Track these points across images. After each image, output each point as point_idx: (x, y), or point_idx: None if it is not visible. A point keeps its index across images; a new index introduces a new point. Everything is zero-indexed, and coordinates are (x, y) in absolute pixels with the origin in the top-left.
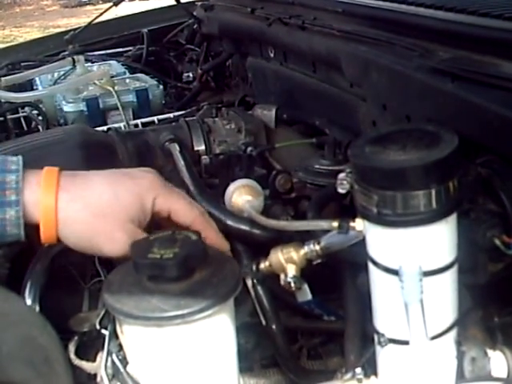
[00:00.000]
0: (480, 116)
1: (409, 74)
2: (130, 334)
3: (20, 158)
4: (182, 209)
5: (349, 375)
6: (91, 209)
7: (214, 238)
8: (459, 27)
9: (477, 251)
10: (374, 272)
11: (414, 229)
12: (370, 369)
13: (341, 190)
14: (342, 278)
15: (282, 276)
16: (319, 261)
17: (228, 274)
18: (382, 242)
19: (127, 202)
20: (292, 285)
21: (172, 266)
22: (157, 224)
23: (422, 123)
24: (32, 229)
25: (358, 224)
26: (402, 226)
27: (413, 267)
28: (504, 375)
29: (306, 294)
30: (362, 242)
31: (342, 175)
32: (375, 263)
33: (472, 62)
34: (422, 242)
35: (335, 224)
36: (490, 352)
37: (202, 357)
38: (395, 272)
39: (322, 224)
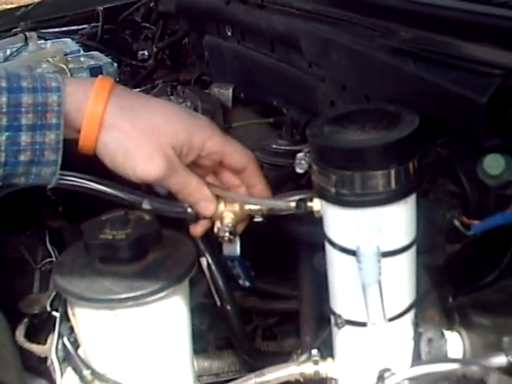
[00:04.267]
0: (441, 97)
1: (370, 53)
2: (81, 316)
3: (58, 75)
4: (236, 154)
5: (304, 357)
6: (140, 123)
7: (262, 187)
8: (421, 7)
9: (435, 232)
10: (331, 252)
11: (373, 209)
12: (326, 350)
13: (299, 170)
14: (297, 258)
15: (218, 223)
16: (260, 219)
17: (183, 255)
18: (340, 222)
19: (176, 129)
20: (225, 234)
21: (124, 247)
22: (206, 167)
23: (382, 103)
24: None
25: (316, 204)
26: (360, 206)
27: (370, 248)
28: (459, 355)
29: (234, 250)
30: (319, 222)
31: (300, 155)
32: (332, 244)
33: (434, 43)
34: (380, 223)
35: (292, 204)
36: (446, 333)
37: (156, 339)
38: (353, 253)
39: (279, 204)
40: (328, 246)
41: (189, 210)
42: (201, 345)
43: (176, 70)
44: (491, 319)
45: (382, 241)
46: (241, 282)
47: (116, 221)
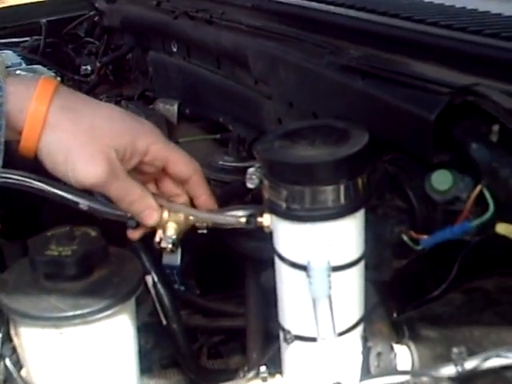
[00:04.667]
0: (390, 114)
1: (318, 70)
2: (26, 335)
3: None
4: (181, 161)
5: (252, 374)
6: (83, 124)
7: (207, 198)
8: (370, 26)
9: (382, 247)
10: (280, 267)
11: (322, 224)
12: (273, 367)
13: (250, 185)
14: (243, 274)
15: (160, 232)
16: (204, 231)
17: (129, 272)
18: (290, 237)
19: (120, 132)
20: (168, 245)
21: (70, 264)
22: (148, 174)
23: (331, 120)
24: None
25: (266, 219)
26: (309, 220)
27: (321, 262)
28: (409, 368)
29: (175, 259)
30: (266, 238)
31: (251, 170)
32: (282, 258)
33: (382, 60)
34: (330, 237)
35: (243, 220)
36: (395, 346)
37: (102, 358)
38: (303, 267)
39: (229, 219)
40: (278, 261)
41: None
42: (145, 364)
43: (119, 86)
44: (439, 332)
45: (332, 255)
46: (176, 286)
47: (62, 237)
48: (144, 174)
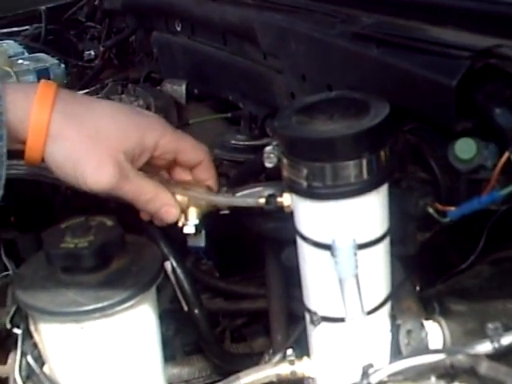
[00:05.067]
0: (408, 82)
1: (330, 41)
2: (46, 331)
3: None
4: (191, 149)
5: (278, 357)
6: (87, 130)
7: (212, 183)
8: None
9: (406, 221)
10: (303, 248)
11: (346, 201)
12: (299, 348)
13: (268, 164)
14: (264, 255)
15: (182, 218)
16: (227, 212)
17: (148, 260)
18: (312, 216)
19: (126, 132)
20: (191, 230)
21: (87, 256)
22: (159, 167)
23: (348, 91)
24: None
25: (286, 199)
26: (332, 198)
27: (346, 241)
28: (440, 345)
29: (200, 240)
30: (284, 218)
31: (268, 148)
32: (305, 238)
33: (397, 27)
34: (354, 215)
35: (262, 200)
36: (425, 323)
37: (125, 350)
38: (327, 247)
39: (248, 201)
40: (300, 241)
41: None
42: (168, 352)
43: (124, 69)
44: (469, 306)
45: (357, 233)
46: (203, 262)
47: (77, 228)
48: (155, 166)
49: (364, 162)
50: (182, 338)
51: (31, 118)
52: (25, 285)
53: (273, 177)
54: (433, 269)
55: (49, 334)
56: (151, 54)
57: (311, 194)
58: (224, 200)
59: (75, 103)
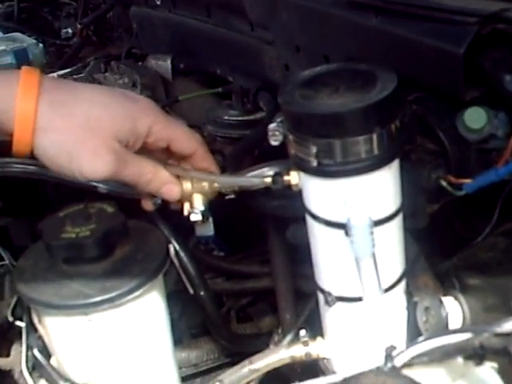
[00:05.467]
0: (412, 51)
1: (325, 10)
2: (52, 324)
3: None
4: (184, 138)
5: (289, 337)
6: (77, 119)
7: (213, 170)
8: None
9: (416, 194)
10: (314, 227)
11: (358, 178)
12: (308, 327)
13: (273, 142)
14: (267, 233)
15: (187, 206)
16: (232, 196)
17: (153, 246)
18: (324, 195)
19: (119, 119)
20: (198, 217)
21: (90, 245)
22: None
23: (351, 63)
24: None
25: (293, 177)
26: (344, 175)
27: (362, 219)
28: (459, 322)
29: (208, 229)
30: (289, 195)
31: (272, 126)
32: (316, 217)
33: None
34: (367, 192)
35: (268, 179)
36: (443, 299)
37: (135, 340)
38: (339, 225)
39: (254, 180)
40: (311, 221)
41: None
42: (175, 335)
43: (103, 46)
44: (488, 280)
45: (371, 210)
46: (215, 252)
47: (77, 216)
48: (150, 152)
49: (374, 137)
50: (187, 320)
51: (16, 110)
52: (26, 278)
53: (270, 153)
54: (440, 240)
55: (55, 328)
56: (130, 29)
57: (321, 171)
58: (229, 180)
59: (62, 91)
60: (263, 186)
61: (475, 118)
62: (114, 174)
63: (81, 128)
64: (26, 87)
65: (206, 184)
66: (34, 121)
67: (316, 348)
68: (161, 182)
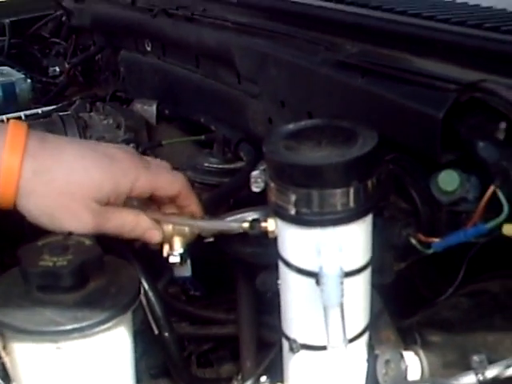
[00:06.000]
0: (394, 112)
1: (313, 68)
2: (19, 350)
3: None
4: (167, 185)
5: (249, 382)
6: (58, 184)
7: (195, 208)
8: (365, 20)
9: (384, 250)
10: (286, 274)
11: (333, 228)
12: (268, 376)
13: (255, 189)
14: (236, 279)
15: (167, 248)
16: (211, 239)
17: (126, 282)
18: (298, 243)
19: (98, 183)
20: (176, 259)
21: (66, 275)
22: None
23: (333, 119)
24: None
25: (270, 224)
26: (320, 225)
27: (333, 269)
28: (418, 376)
29: (186, 271)
30: (262, 243)
31: (255, 173)
32: (289, 265)
33: (382, 57)
34: (341, 242)
35: (245, 225)
36: (404, 353)
37: (100, 372)
38: (312, 274)
39: (232, 225)
40: (283, 268)
41: None
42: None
43: (88, 87)
44: (449, 337)
45: (342, 261)
46: (191, 292)
47: (55, 246)
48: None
49: (352, 191)
50: (147, 360)
51: (1, 170)
52: None
53: (245, 203)
54: (402, 299)
55: (23, 354)
56: (117, 72)
57: (298, 220)
58: (207, 225)
59: (45, 155)
60: (241, 231)
61: (448, 181)
62: (95, 229)
63: (62, 195)
64: (11, 152)
65: (185, 227)
66: (17, 185)
67: None
68: (142, 229)
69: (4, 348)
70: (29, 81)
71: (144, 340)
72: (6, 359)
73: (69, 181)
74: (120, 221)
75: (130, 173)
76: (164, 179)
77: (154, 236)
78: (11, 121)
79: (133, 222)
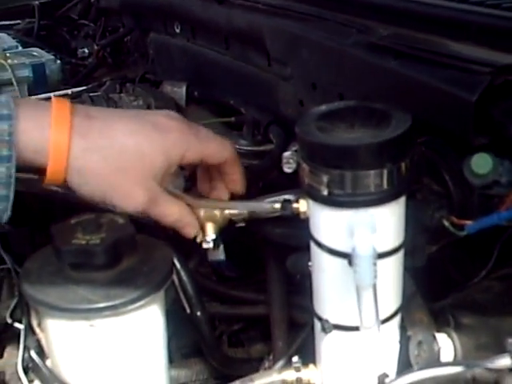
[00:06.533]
0: (427, 95)
1: (344, 49)
2: (53, 327)
3: (10, 99)
4: (215, 152)
5: (281, 363)
6: (110, 161)
7: (239, 178)
8: (398, 3)
9: (417, 233)
10: (318, 255)
11: (366, 209)
12: (299, 356)
13: (287, 170)
14: (266, 260)
15: (200, 234)
16: (242, 224)
17: (159, 260)
18: (331, 224)
19: (152, 158)
20: (209, 245)
21: (99, 253)
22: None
23: (366, 101)
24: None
25: (302, 205)
26: (353, 206)
27: (366, 249)
28: (450, 358)
29: (219, 254)
30: (293, 224)
31: (287, 154)
32: (321, 246)
33: (415, 40)
34: (374, 224)
35: (277, 205)
36: (436, 335)
37: (133, 350)
38: (344, 255)
39: (264, 205)
40: (315, 249)
41: None
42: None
43: (117, 69)
44: (482, 320)
45: (375, 242)
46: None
47: (88, 224)
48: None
49: (385, 172)
50: (179, 339)
51: (48, 152)
52: (32, 279)
53: (272, 184)
54: (433, 281)
55: (56, 330)
56: (146, 54)
57: (331, 201)
58: (240, 205)
59: (94, 133)
60: (273, 212)
61: (481, 164)
62: (144, 209)
63: (115, 171)
64: (59, 130)
65: (217, 213)
66: (67, 162)
67: (308, 374)
68: (183, 223)
69: (39, 325)
70: (58, 62)
71: (175, 320)
72: (41, 336)
73: (121, 158)
74: (166, 209)
75: (180, 143)
76: (213, 147)
77: (190, 233)
78: (54, 98)
79: (176, 216)
